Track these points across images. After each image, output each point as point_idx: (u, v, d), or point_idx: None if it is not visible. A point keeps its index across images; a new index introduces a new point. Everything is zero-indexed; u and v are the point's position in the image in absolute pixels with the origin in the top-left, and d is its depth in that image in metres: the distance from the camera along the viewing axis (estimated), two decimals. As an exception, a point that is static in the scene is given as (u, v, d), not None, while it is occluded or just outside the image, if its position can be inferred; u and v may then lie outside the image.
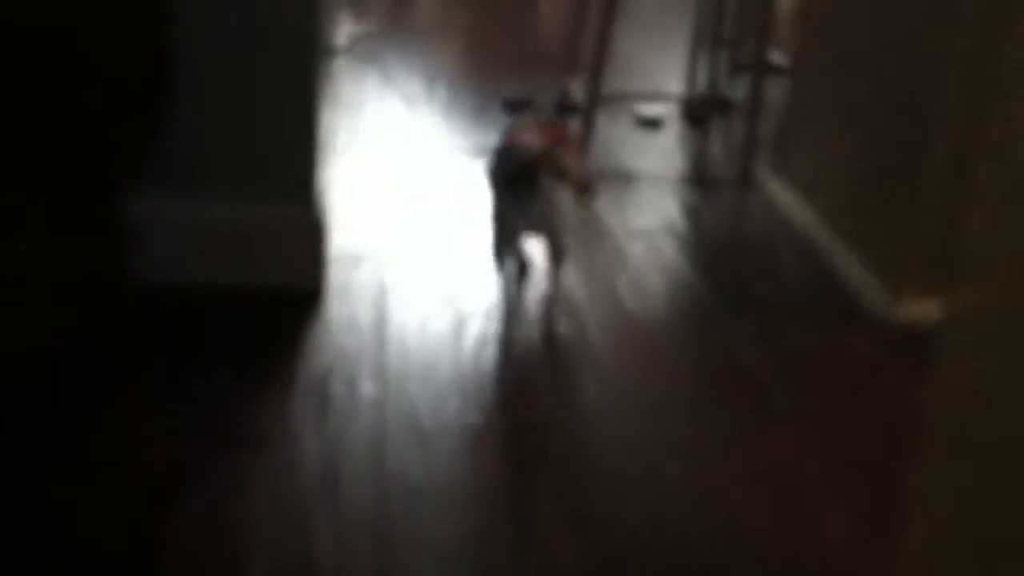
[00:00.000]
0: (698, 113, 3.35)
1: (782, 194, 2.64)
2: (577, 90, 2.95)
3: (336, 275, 2.13)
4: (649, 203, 2.66)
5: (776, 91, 3.34)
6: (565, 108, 2.49)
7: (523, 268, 2.18)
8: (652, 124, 3.28)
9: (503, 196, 2.06)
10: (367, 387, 1.77)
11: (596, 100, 2.84)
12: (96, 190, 1.93)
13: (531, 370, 1.87)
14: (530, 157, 2.00)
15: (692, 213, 2.62)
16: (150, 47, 1.88)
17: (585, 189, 2.06)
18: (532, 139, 2.05)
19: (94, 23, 1.73)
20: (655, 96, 3.48)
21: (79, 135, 1.79)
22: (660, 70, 3.86)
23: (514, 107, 2.35)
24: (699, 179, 2.87)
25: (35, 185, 1.82)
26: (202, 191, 2.00)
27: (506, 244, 2.10)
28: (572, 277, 2.21)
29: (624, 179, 2.81)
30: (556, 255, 2.07)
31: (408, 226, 2.40)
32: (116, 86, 1.82)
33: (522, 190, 2.01)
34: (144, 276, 2.00)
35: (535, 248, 2.14)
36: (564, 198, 2.04)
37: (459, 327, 1.99)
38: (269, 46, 1.93)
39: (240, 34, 1.92)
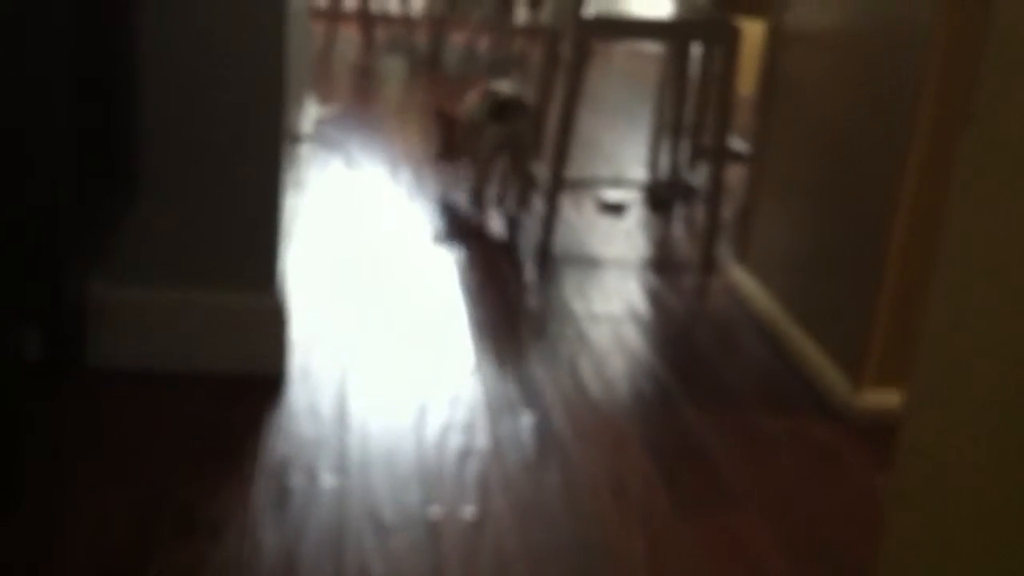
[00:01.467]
0: (661, 198, 3.39)
1: (743, 279, 2.67)
2: (541, 174, 2.98)
3: (297, 360, 2.12)
4: (612, 288, 2.68)
5: (738, 176, 3.39)
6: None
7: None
8: (615, 209, 3.32)
9: (491, 128, 2.92)
10: (327, 477, 1.74)
11: (559, 184, 2.86)
12: (55, 273, 1.91)
13: (494, 458, 1.85)
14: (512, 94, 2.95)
15: (655, 298, 2.64)
16: (115, 131, 1.88)
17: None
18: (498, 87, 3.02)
19: (61, 103, 1.73)
20: (618, 181, 3.52)
21: (38, 215, 1.78)
22: (623, 156, 3.92)
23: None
24: (662, 264, 2.89)
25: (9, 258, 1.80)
26: (163, 275, 1.98)
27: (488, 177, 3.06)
28: (536, 363, 2.21)
29: (587, 263, 2.83)
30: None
31: (371, 311, 2.39)
32: (79, 169, 1.81)
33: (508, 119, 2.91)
34: (103, 361, 1.98)
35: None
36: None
37: (421, 415, 1.97)
38: (234, 131, 1.94)
39: (205, 119, 1.93)
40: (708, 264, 2.86)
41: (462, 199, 3.21)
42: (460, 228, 2.98)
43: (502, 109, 2.96)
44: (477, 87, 3.19)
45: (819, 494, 1.84)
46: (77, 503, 1.61)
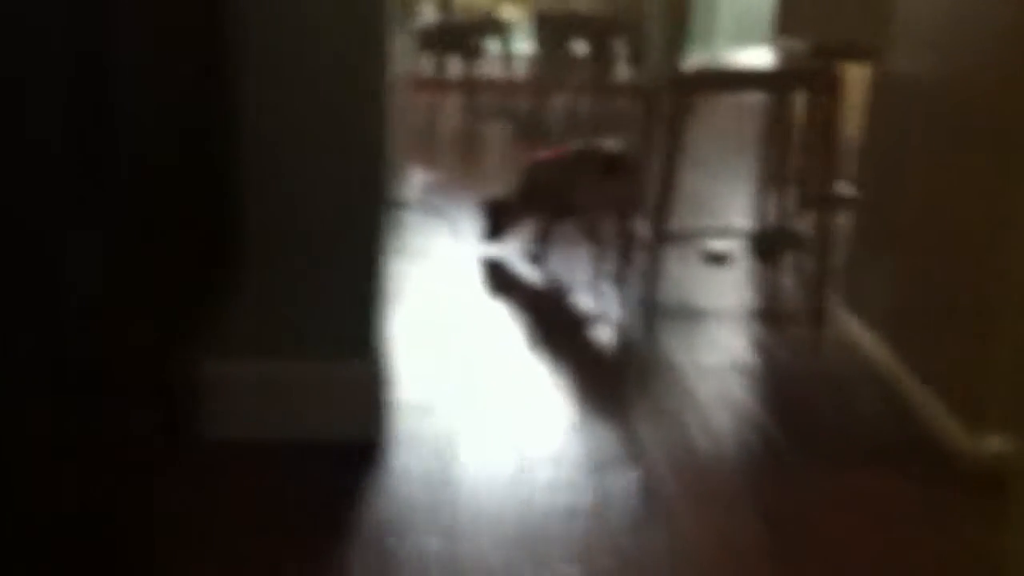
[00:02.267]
0: (767, 248, 3.34)
1: (855, 329, 2.59)
2: (643, 228, 2.97)
3: (402, 425, 2.13)
4: (718, 340, 2.63)
5: (847, 224, 3.32)
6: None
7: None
8: (720, 260, 3.28)
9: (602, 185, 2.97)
10: (432, 540, 1.74)
11: (663, 236, 2.84)
12: (169, 352, 1.97)
13: (600, 518, 1.83)
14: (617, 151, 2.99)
15: (762, 350, 2.58)
16: (221, 215, 1.95)
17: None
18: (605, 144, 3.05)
19: (174, 197, 1.80)
20: (722, 232, 3.48)
21: (156, 301, 1.84)
22: (726, 208, 3.88)
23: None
24: (769, 315, 2.83)
25: (115, 347, 1.87)
26: (268, 347, 2.03)
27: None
28: (640, 418, 2.18)
29: (693, 316, 2.79)
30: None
31: (474, 375, 2.40)
32: (187, 255, 1.88)
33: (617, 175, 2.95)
34: (210, 432, 2.03)
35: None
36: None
37: (526, 475, 1.96)
38: (334, 202, 1.98)
39: (306, 191, 1.98)
40: (817, 314, 2.79)
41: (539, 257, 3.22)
42: (554, 287, 2.99)
43: (611, 165, 2.95)
44: (549, 149, 3.19)
45: (932, 552, 1.76)
46: (183, 568, 1.64)
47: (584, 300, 2.89)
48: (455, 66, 5.71)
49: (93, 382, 1.84)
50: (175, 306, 1.91)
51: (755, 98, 5.94)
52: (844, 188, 3.40)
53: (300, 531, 1.75)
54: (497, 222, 3.23)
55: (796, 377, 2.43)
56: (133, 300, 1.81)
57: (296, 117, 1.94)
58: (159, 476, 1.91)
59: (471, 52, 5.77)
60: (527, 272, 3.11)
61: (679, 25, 2.74)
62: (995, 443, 2.00)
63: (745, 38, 6.30)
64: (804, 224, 3.35)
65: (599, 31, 5.36)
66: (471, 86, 5.81)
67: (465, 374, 2.39)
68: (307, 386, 2.03)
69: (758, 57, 3.07)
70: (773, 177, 3.43)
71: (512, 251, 3.24)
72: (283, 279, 2.01)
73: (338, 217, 1.99)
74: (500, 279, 3.05)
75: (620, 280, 3.04)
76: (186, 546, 1.70)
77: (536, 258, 3.18)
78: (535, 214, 3.23)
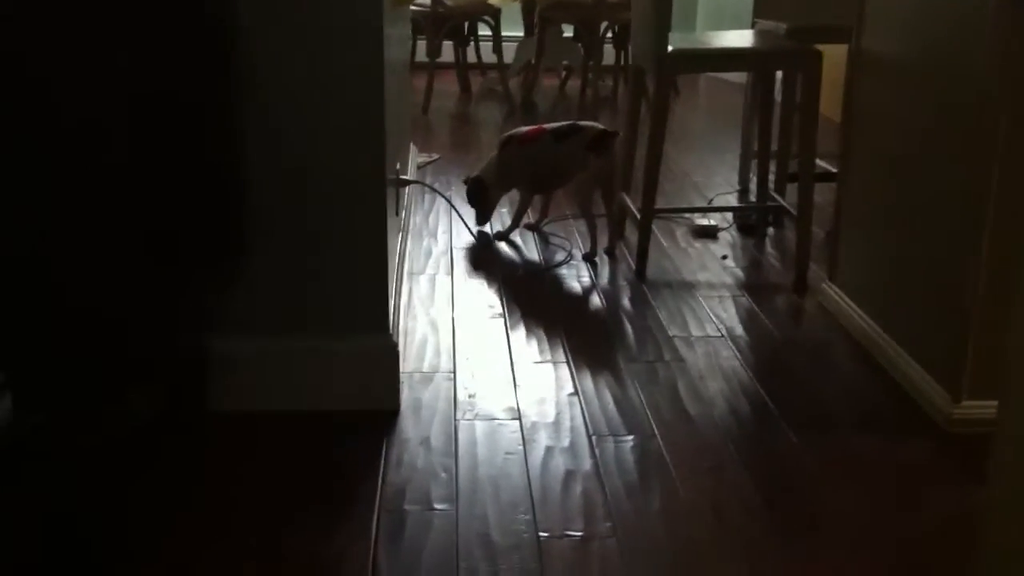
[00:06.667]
0: (750, 222, 3.34)
1: (836, 298, 2.61)
2: (632, 205, 2.97)
3: (409, 393, 2.14)
4: (708, 310, 2.64)
5: (827, 197, 3.33)
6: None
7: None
8: (708, 234, 3.28)
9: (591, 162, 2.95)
10: (439, 503, 1.75)
11: (651, 213, 2.85)
12: (179, 328, 1.97)
13: (597, 481, 1.84)
14: (602, 130, 2.96)
15: (750, 320, 2.59)
16: (222, 195, 1.94)
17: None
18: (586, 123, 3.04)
19: (181, 182, 1.79)
20: (709, 208, 3.49)
21: (168, 282, 1.84)
22: (712, 184, 3.88)
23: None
24: (755, 286, 2.84)
25: (128, 329, 1.87)
26: (280, 322, 2.03)
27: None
28: (635, 386, 2.19)
29: (682, 288, 2.80)
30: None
31: (474, 342, 2.41)
32: (198, 231, 1.87)
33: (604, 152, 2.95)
34: (229, 406, 2.03)
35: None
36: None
37: (526, 440, 1.97)
38: (340, 183, 1.98)
39: (312, 172, 1.97)
40: (800, 284, 2.80)
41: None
42: (549, 257, 2.99)
43: (599, 143, 2.95)
44: (523, 128, 3.20)
45: (920, 513, 1.78)
46: (200, 544, 1.65)
47: (577, 274, 2.89)
48: (447, 51, 5.68)
49: (102, 359, 1.84)
50: (184, 282, 1.91)
51: (738, 76, 5.93)
52: (823, 164, 3.41)
53: (314, 499, 1.76)
54: (478, 200, 3.23)
55: (782, 346, 2.44)
56: (140, 278, 1.81)
57: (299, 96, 1.94)
58: (171, 449, 1.91)
59: (463, 37, 5.75)
60: (519, 248, 3.12)
61: (664, 6, 2.73)
62: (974, 406, 2.02)
63: (723, 22, 6.29)
64: (785, 199, 3.36)
65: (586, 15, 5.35)
66: (463, 70, 5.79)
67: (465, 346, 2.39)
68: (324, 359, 2.04)
69: (739, 38, 3.07)
70: (755, 154, 3.43)
71: (504, 228, 3.24)
72: (300, 255, 2.01)
73: (344, 197, 1.99)
74: (494, 255, 3.06)
75: (611, 254, 3.05)
76: (205, 516, 1.71)
77: (502, 236, 3.18)
78: (514, 189, 3.24)
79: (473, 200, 3.25)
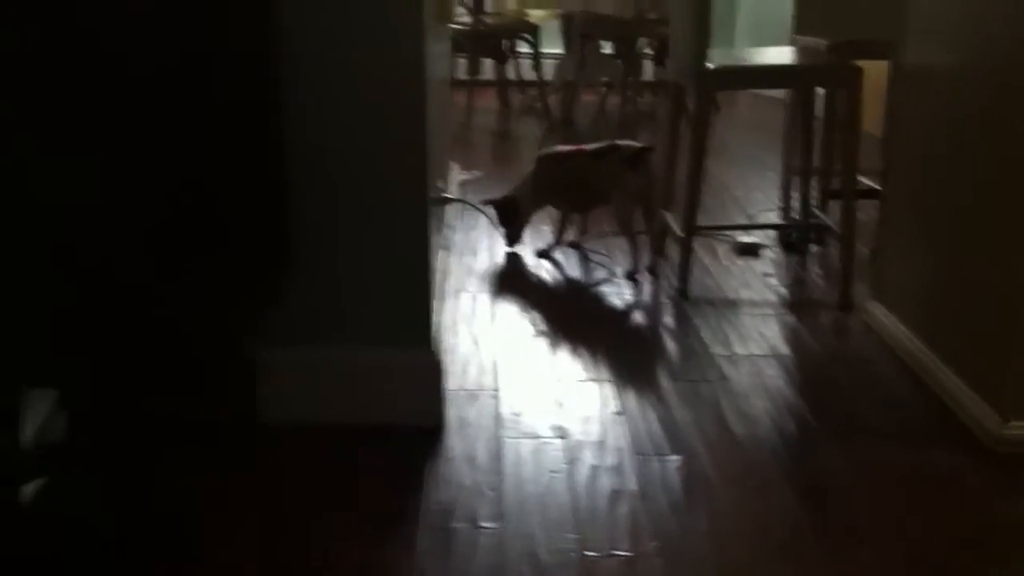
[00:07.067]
0: (793, 240, 3.33)
1: (882, 317, 2.59)
2: (673, 221, 2.97)
3: (453, 411, 2.15)
4: (751, 328, 2.63)
5: (871, 214, 3.30)
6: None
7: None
8: (750, 251, 3.27)
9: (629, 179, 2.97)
10: (486, 521, 1.76)
11: (692, 230, 2.84)
12: (228, 343, 2.00)
13: (643, 500, 1.83)
14: (639, 147, 2.99)
15: (794, 337, 2.58)
16: (267, 209, 1.97)
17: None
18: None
19: (227, 194, 1.82)
20: (751, 225, 3.47)
21: (216, 297, 1.87)
22: (753, 201, 3.86)
23: None
24: (799, 304, 2.83)
25: (184, 339, 1.90)
26: (324, 336, 2.05)
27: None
28: (679, 405, 2.19)
29: (725, 306, 2.79)
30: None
31: (518, 364, 2.41)
32: (245, 249, 1.90)
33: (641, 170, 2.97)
34: (272, 417, 2.05)
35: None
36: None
37: (571, 459, 1.97)
38: (383, 200, 2.00)
39: (355, 188, 1.99)
40: (845, 302, 2.78)
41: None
42: (589, 273, 2.99)
43: (636, 160, 2.96)
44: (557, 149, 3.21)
45: (970, 531, 1.75)
46: (246, 557, 1.66)
47: (619, 292, 2.89)
48: (487, 68, 5.72)
49: (153, 369, 1.87)
50: (234, 293, 1.93)
51: (778, 93, 5.91)
52: (865, 181, 3.39)
53: (362, 514, 1.77)
54: (509, 219, 3.23)
55: (826, 363, 2.43)
56: (189, 288, 1.84)
57: (343, 115, 1.96)
58: (221, 460, 1.93)
59: (502, 54, 5.78)
60: (560, 265, 3.12)
61: (703, 23, 2.73)
62: (1021, 425, 1.99)
63: (762, 39, 6.27)
64: (829, 216, 3.34)
65: (624, 31, 5.35)
66: (503, 86, 5.81)
67: (508, 364, 2.40)
68: (367, 373, 2.05)
69: (779, 55, 3.06)
70: (797, 170, 3.42)
71: (542, 246, 3.25)
72: (344, 270, 2.03)
73: (388, 213, 2.01)
74: (534, 273, 3.06)
75: (653, 272, 3.05)
76: (251, 528, 1.72)
77: (545, 254, 3.19)
78: (550, 206, 3.25)
79: (504, 220, 3.25)
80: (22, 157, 1.56)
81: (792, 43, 3.52)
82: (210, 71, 1.75)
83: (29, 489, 1.74)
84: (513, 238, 3.26)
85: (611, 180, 3.00)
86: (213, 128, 1.79)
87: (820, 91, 3.69)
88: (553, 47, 6.09)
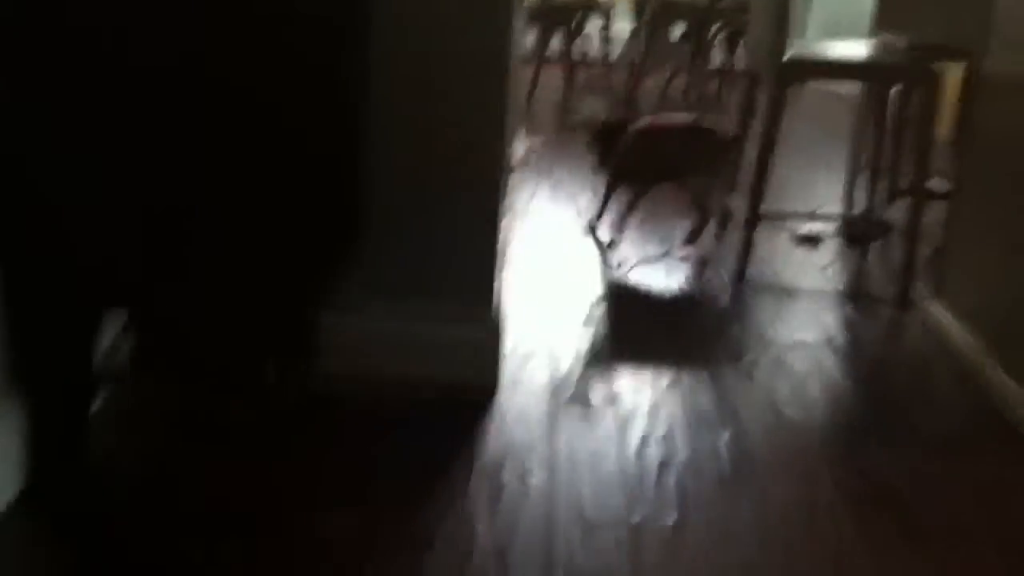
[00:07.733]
0: (856, 234, 3.31)
1: (940, 316, 2.57)
2: (738, 208, 2.96)
3: (510, 371, 2.17)
4: (808, 317, 2.63)
5: (933, 216, 3.27)
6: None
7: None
8: (811, 241, 3.26)
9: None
10: (537, 474, 1.79)
11: (756, 217, 2.84)
12: (301, 304, 2.02)
13: (692, 471, 1.85)
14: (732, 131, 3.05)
15: (851, 329, 2.57)
16: (342, 177, 1.98)
17: None
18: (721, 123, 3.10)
19: (305, 165, 1.84)
20: (813, 216, 3.46)
21: (291, 260, 1.89)
22: (815, 193, 3.84)
23: None
24: (857, 297, 2.82)
25: (256, 306, 1.92)
26: (395, 301, 2.07)
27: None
28: (733, 384, 2.20)
29: (783, 293, 2.79)
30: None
31: (575, 328, 2.43)
32: (319, 214, 1.92)
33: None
34: (336, 382, 2.06)
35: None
36: None
37: (623, 424, 1.99)
38: (458, 167, 2.01)
39: (432, 157, 2.01)
40: (904, 299, 2.77)
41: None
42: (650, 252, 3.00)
43: (731, 146, 2.96)
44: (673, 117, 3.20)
45: (1017, 534, 1.75)
46: (304, 519, 1.68)
47: (677, 270, 2.90)
48: (556, 43, 5.70)
49: (220, 337, 1.90)
50: (302, 261, 1.96)
51: (846, 88, 5.84)
52: (934, 183, 3.36)
53: (421, 471, 1.80)
54: (605, 148, 3.13)
55: (881, 358, 2.42)
56: (259, 257, 1.87)
57: (425, 86, 1.97)
58: (286, 424, 1.97)
59: (573, 30, 5.76)
60: (620, 242, 3.13)
61: (784, 13, 2.71)
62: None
63: (835, 32, 6.20)
64: (892, 214, 3.32)
65: (698, 16, 5.32)
66: (570, 63, 5.80)
67: (564, 331, 2.42)
68: (429, 334, 2.08)
69: (856, 49, 3.04)
70: (865, 167, 3.39)
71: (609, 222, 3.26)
72: (412, 232, 2.05)
73: (462, 180, 2.02)
74: (596, 246, 3.08)
75: (715, 255, 3.05)
76: (314, 489, 1.76)
77: (593, 229, 3.16)
78: (634, 179, 3.17)
79: (597, 143, 3.13)
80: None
81: (871, 39, 3.48)
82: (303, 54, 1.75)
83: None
84: (600, 212, 3.18)
85: (704, 159, 2.98)
86: (297, 91, 1.80)
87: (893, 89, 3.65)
88: (624, 26, 6.07)
